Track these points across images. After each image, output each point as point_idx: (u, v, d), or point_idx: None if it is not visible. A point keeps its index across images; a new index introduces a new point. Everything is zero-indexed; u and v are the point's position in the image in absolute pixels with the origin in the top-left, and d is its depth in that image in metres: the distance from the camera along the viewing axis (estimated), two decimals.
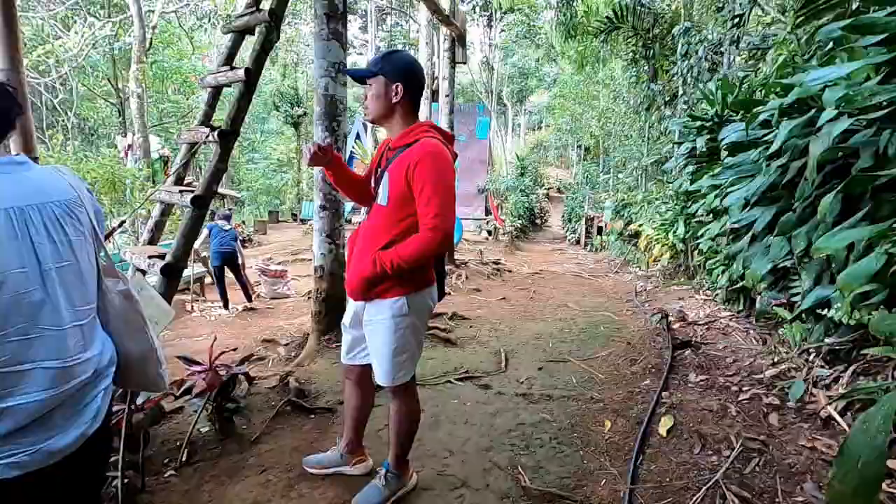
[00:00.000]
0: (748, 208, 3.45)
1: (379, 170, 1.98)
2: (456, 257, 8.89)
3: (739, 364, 3.45)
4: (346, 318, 2.14)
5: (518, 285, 7.76)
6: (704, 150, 5.08)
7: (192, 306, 7.38)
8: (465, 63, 8.16)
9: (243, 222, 18.51)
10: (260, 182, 26.30)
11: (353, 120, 23.49)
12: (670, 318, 4.59)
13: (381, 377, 1.95)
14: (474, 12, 19.81)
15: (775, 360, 3.30)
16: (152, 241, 3.54)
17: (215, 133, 3.11)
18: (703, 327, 4.25)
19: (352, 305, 2.10)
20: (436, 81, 8.71)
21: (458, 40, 7.95)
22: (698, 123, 5.22)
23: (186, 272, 4.50)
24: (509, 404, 3.13)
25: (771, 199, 3.24)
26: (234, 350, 3.70)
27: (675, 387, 3.26)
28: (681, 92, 8.46)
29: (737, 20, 6.82)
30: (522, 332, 4.94)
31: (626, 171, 11.14)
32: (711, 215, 4.95)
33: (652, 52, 9.33)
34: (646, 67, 10.22)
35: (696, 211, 6.53)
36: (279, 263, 11.21)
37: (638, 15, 9.28)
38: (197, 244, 7.35)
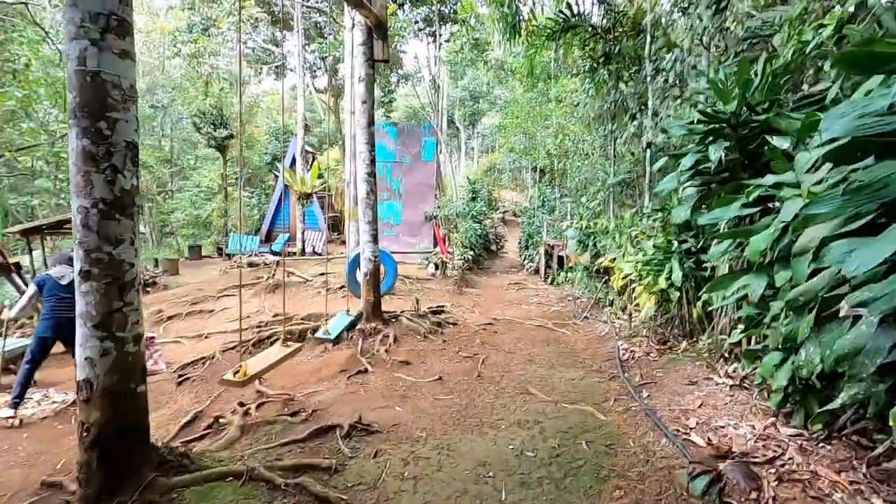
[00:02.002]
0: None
1: None
2: (386, 309, 6.90)
3: None
4: None
5: (463, 349, 5.82)
6: (720, 163, 3.39)
7: None
8: (387, 61, 6.37)
9: (145, 266, 15.80)
10: (186, 213, 23.53)
11: (291, 140, 21.33)
12: (695, 439, 2.75)
13: None
14: (416, 26, 18.35)
15: None
16: None
17: None
18: (765, 468, 2.43)
19: None
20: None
21: (376, 31, 6.15)
22: (708, 126, 3.54)
23: None
24: None
25: None
26: None
27: None
28: (651, 98, 6.96)
29: (718, 4, 5.38)
30: (459, 465, 2.98)
31: (589, 193, 9.56)
32: (739, 263, 3.23)
33: (617, 52, 7.88)
34: (606, 76, 8.80)
35: (695, 246, 4.86)
36: (158, 323, 8.83)
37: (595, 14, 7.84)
38: (13, 311, 5.01)
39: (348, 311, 6.47)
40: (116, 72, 2.52)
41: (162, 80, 26.22)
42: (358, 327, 6.29)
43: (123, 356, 2.61)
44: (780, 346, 2.67)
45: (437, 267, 12.14)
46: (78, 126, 2.45)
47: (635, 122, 6.96)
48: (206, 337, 7.61)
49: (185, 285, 13.10)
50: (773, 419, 2.86)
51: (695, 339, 4.94)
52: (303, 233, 18.57)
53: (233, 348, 6.40)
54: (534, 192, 19.45)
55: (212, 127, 18.86)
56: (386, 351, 5.59)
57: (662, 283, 4.83)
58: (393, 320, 6.68)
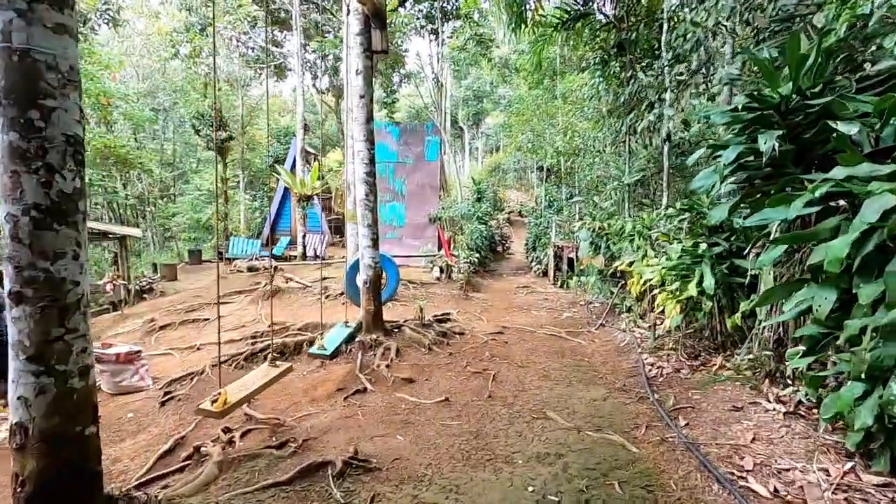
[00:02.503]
0: None
1: None
2: (388, 318, 6.45)
3: None
4: None
5: (471, 363, 5.35)
6: (771, 155, 2.91)
7: None
8: (386, 52, 5.93)
9: (142, 272, 15.41)
10: (188, 216, 23.22)
11: (291, 142, 20.96)
12: (756, 487, 2.27)
13: None
14: (418, 23, 17.91)
15: None
16: None
17: None
18: None
19: None
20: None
21: (374, 20, 5.70)
22: (755, 113, 3.06)
23: None
24: None
25: None
26: None
27: None
28: (669, 88, 6.47)
29: None
30: None
31: (604, 193, 9.07)
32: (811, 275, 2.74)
33: (632, 41, 7.39)
34: (618, 68, 8.31)
35: (727, 250, 4.38)
36: (149, 334, 8.42)
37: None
38: None
39: (346, 322, 6.02)
40: (52, 50, 2.07)
41: (162, 83, 25.93)
42: (358, 339, 5.84)
43: (66, 394, 2.17)
44: (862, 376, 2.19)
45: (441, 271, 11.67)
46: (4, 116, 2.01)
47: (654, 112, 6.45)
48: (197, 348, 7.18)
49: (183, 291, 12.72)
50: (850, 462, 2.38)
51: (729, 353, 4.45)
52: (304, 236, 18.16)
53: (225, 362, 5.97)
54: (540, 191, 18.96)
55: (211, 128, 18.50)
56: (387, 366, 5.13)
57: (692, 291, 4.34)
58: (395, 331, 6.22)
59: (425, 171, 16.09)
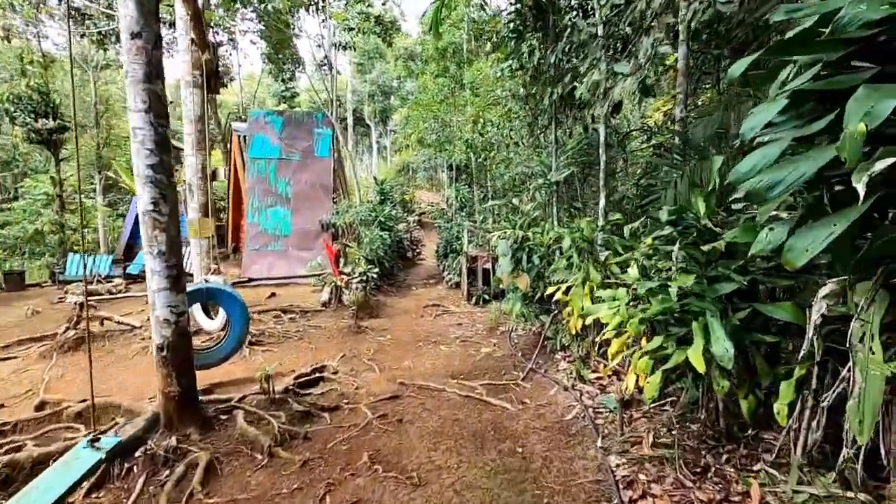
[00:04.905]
0: None
1: None
2: (232, 377, 4.08)
3: None
4: None
5: (336, 484, 3.19)
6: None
7: None
8: None
9: None
10: (20, 228, 18.34)
11: None
12: None
13: None
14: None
15: None
16: None
17: None
18: None
19: None
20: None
21: None
22: None
23: None
24: None
25: None
26: None
27: None
28: (601, 48, 4.78)
29: None
30: None
31: (526, 194, 7.33)
32: None
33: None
34: (536, 43, 6.61)
35: (745, 285, 2.66)
36: None
37: None
38: None
39: (102, 433, 3.54)
40: None
41: None
42: (149, 445, 3.44)
43: None
44: None
45: (329, 299, 9.33)
46: None
47: (600, 70, 4.62)
48: None
49: None
50: None
51: (748, 455, 2.75)
52: None
53: None
54: (450, 192, 17.20)
55: (32, 116, 14.36)
56: None
57: (694, 360, 2.57)
58: (222, 417, 3.88)
59: (315, 168, 13.57)
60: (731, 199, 2.66)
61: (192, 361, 3.76)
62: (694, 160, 3.98)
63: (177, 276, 3.65)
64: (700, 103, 7.30)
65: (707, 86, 7.46)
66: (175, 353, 3.62)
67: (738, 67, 1.88)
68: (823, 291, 2.03)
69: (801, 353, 2.22)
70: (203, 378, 4.84)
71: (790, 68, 1.90)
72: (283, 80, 28.28)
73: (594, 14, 5.19)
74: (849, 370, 1.94)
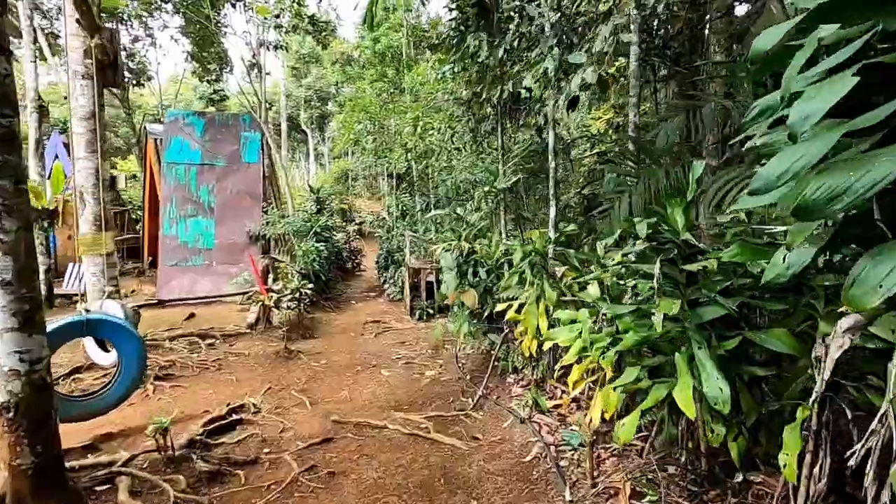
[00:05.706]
0: None
1: None
2: (111, 428, 3.21)
3: None
4: None
5: None
6: None
7: None
8: None
9: None
10: None
11: (51, 133, 15.24)
12: None
13: None
14: None
15: None
16: None
17: None
18: None
19: None
20: None
21: None
22: None
23: None
24: None
25: None
26: None
27: None
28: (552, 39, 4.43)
29: None
30: None
31: (471, 203, 6.88)
32: None
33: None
34: (481, 40, 6.22)
35: (736, 312, 2.29)
36: None
37: None
38: None
39: None
40: None
41: None
42: None
43: None
44: None
45: (257, 319, 8.40)
46: None
47: (553, 57, 4.19)
48: None
49: None
50: None
51: (740, 503, 2.37)
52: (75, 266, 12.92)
53: None
54: (391, 200, 16.59)
55: None
56: None
57: (682, 400, 2.16)
58: (95, 491, 3.03)
59: (242, 175, 12.46)
60: (729, 210, 2.29)
61: (53, 421, 2.90)
62: (663, 166, 3.67)
63: (30, 313, 2.80)
64: (643, 111, 7.22)
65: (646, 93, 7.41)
66: (28, 413, 2.75)
67: (768, 39, 1.48)
68: (845, 323, 1.67)
69: (814, 396, 1.85)
70: (85, 430, 3.92)
71: (804, 51, 1.54)
72: (209, 82, 26.37)
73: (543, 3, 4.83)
74: (881, 421, 1.58)
